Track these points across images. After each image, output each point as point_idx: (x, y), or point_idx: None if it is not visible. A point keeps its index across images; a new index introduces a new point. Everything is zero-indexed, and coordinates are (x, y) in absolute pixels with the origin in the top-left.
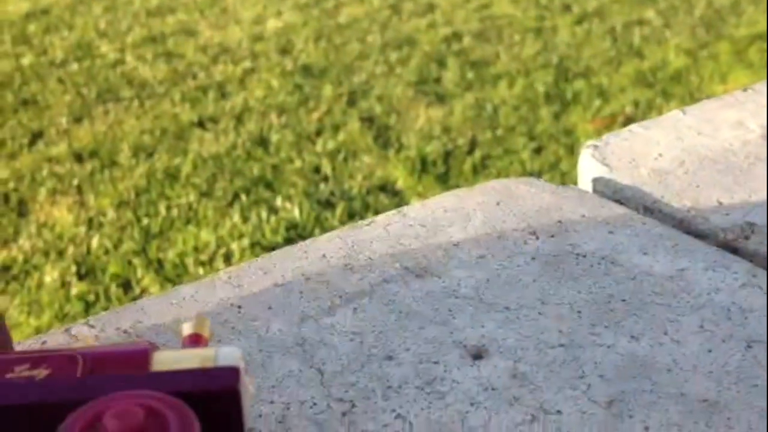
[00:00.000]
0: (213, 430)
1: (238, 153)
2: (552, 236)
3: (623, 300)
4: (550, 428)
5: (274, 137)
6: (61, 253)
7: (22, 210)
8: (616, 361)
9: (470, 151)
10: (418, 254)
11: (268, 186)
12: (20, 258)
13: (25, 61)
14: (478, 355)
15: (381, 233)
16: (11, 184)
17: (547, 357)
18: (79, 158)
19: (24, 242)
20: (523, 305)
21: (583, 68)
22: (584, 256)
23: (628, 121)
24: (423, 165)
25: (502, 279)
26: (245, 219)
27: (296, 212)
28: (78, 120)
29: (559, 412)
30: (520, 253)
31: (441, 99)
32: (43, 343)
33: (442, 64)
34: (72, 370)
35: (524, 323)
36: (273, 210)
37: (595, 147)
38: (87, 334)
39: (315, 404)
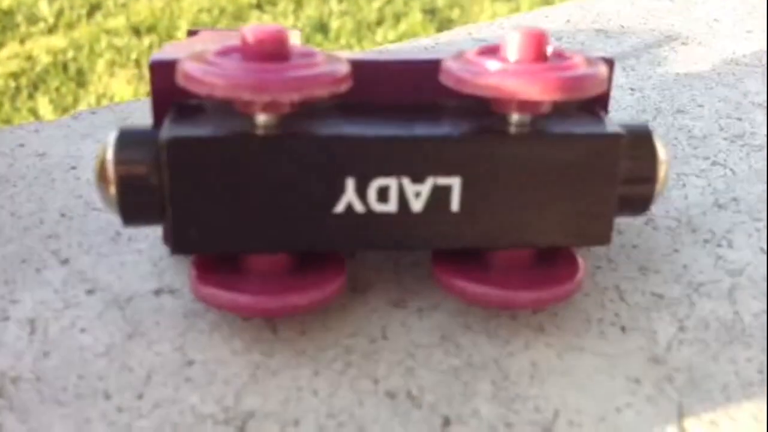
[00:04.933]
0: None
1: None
2: None
3: None
4: None
5: (334, 24)
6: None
7: (81, 80)
8: None
9: None
10: (675, 24)
11: None
12: None
13: None
14: None
15: (626, 4)
16: (70, 54)
17: None
18: (137, 32)
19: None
20: None
21: None
22: None
23: None
24: None
25: None
26: None
27: None
28: None
29: None
30: None
31: None
32: None
33: None
34: None
35: None
36: None
37: None
38: None
39: None
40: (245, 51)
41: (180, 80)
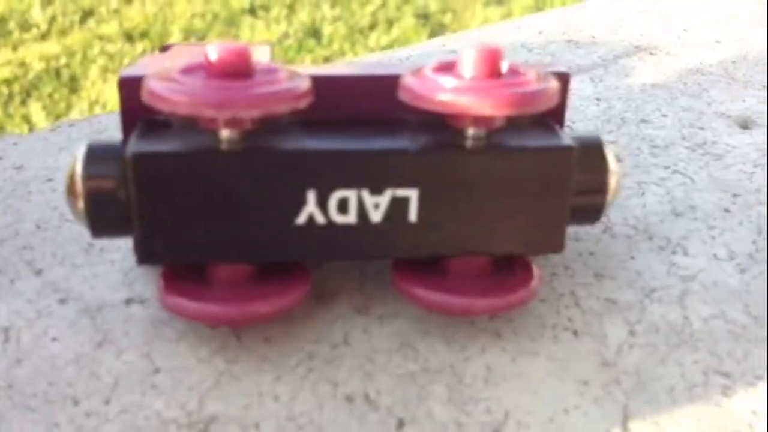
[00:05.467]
0: None
1: (290, 42)
2: None
3: None
4: None
5: (327, 29)
6: None
7: (74, 86)
8: None
9: None
10: (644, 34)
11: None
12: None
13: None
14: (745, 125)
15: (596, 14)
16: (63, 60)
17: None
18: (129, 38)
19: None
20: None
21: None
22: None
23: None
24: None
25: (750, 61)
26: None
27: None
28: (128, 0)
29: None
30: (763, 40)
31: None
32: None
33: None
34: None
35: None
36: None
37: None
38: None
39: None
40: (208, 68)
41: (145, 97)
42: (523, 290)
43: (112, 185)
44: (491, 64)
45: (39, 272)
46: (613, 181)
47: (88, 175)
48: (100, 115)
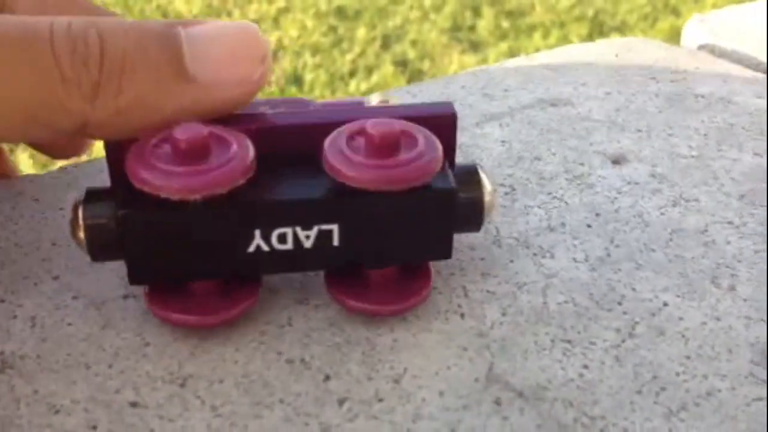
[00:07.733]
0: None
1: (273, 90)
2: (671, 81)
3: (743, 128)
4: (691, 210)
5: (308, 76)
6: None
7: None
8: (744, 170)
9: None
10: (549, 88)
11: None
12: None
13: None
14: (617, 161)
15: (512, 72)
16: None
17: (681, 164)
18: None
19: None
20: (652, 128)
21: (619, 22)
22: (703, 96)
23: None
24: None
25: (630, 109)
26: None
27: None
28: None
29: (697, 200)
30: (644, 92)
31: (475, 47)
32: None
33: (476, 12)
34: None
35: (656, 141)
36: None
37: (702, 20)
38: None
39: None
40: (174, 146)
41: (128, 173)
42: (423, 292)
43: (106, 222)
44: (390, 143)
45: (56, 277)
46: (488, 197)
47: (86, 215)
48: (99, 158)
